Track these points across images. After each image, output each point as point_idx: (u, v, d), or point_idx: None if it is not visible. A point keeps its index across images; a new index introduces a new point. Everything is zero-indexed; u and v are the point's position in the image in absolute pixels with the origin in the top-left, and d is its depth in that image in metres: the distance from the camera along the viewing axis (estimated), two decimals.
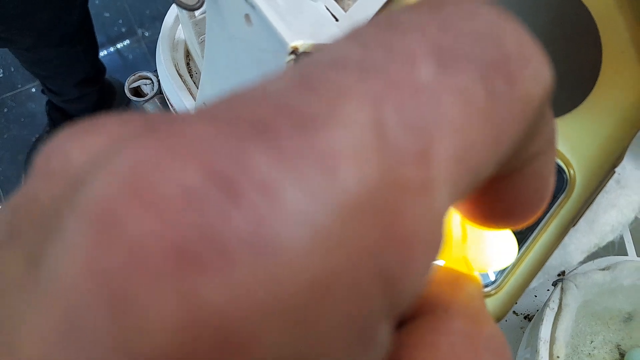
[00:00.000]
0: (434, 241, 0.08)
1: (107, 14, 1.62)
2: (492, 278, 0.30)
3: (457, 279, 0.14)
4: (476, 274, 0.15)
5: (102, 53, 1.57)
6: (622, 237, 0.45)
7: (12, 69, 1.57)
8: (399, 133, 0.08)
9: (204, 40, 0.40)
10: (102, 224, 0.07)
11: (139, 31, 1.60)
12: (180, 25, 0.49)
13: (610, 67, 0.32)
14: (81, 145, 0.09)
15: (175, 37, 0.49)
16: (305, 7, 0.33)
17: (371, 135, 0.08)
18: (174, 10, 0.49)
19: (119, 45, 1.59)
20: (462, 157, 0.08)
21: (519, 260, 0.30)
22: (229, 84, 0.36)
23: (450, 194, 0.08)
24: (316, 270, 0.07)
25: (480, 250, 0.16)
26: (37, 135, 1.45)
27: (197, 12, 0.42)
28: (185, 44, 0.49)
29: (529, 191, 0.12)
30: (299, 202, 0.07)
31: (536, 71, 0.09)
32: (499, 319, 0.32)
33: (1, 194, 1.46)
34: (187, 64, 0.50)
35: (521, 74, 0.09)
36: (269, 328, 0.07)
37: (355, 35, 0.09)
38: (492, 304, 0.31)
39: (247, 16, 0.30)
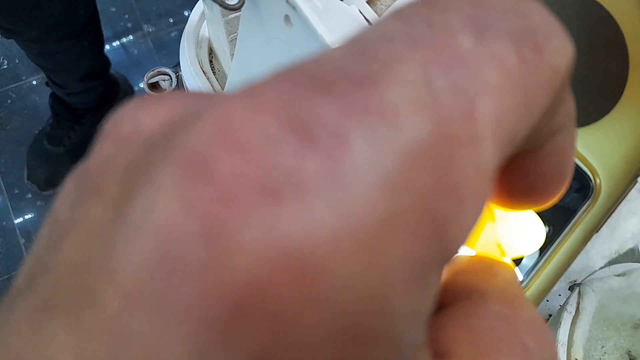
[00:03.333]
0: (481, 194, 0.09)
1: (113, 9, 1.61)
2: (520, 279, 0.31)
3: (492, 266, 0.14)
4: (508, 260, 0.15)
5: (107, 47, 1.56)
6: None
7: (17, 61, 1.56)
8: (447, 93, 0.09)
9: (234, 39, 0.41)
10: (194, 165, 0.07)
11: (145, 27, 1.60)
12: (206, 23, 0.49)
13: (636, 79, 0.33)
14: (150, 113, 0.10)
15: (200, 35, 0.50)
16: (339, 10, 0.33)
17: (423, 93, 0.08)
18: (199, 7, 0.50)
19: (124, 40, 1.59)
20: (501, 118, 0.09)
21: (544, 264, 0.31)
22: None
23: (493, 153, 0.09)
24: (380, 208, 0.08)
25: (510, 235, 0.16)
26: (39, 128, 1.44)
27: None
28: (209, 42, 0.50)
29: (551, 168, 0.12)
30: (366, 147, 0.08)
31: (560, 43, 0.10)
32: None
33: (2, 185, 1.45)
34: (210, 61, 0.50)
35: (547, 44, 0.10)
36: (340, 256, 0.07)
37: (398, 14, 0.10)
38: None
39: (287, 17, 0.31)
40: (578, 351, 0.40)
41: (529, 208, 0.14)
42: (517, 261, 0.32)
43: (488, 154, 0.09)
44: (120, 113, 0.10)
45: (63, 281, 0.09)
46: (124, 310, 0.07)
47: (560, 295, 0.53)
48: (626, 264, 0.46)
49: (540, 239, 0.16)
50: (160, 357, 0.07)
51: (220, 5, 0.30)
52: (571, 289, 0.45)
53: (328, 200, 0.07)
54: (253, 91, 0.08)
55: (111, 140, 0.10)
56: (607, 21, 0.34)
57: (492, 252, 0.16)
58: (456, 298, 0.13)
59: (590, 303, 0.42)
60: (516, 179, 0.12)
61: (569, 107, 0.12)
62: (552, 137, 0.12)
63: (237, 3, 0.30)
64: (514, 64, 0.09)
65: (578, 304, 0.42)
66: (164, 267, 0.07)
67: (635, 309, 0.47)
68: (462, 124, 0.08)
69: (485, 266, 0.14)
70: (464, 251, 0.16)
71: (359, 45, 0.09)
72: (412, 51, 0.09)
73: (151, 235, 0.07)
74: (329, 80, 0.08)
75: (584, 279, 0.45)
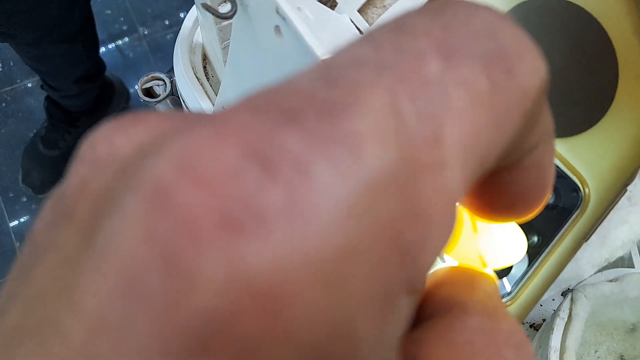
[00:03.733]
0: (448, 220, 0.09)
1: (108, 12, 1.61)
2: (508, 289, 0.31)
3: (473, 278, 0.14)
4: (490, 271, 0.15)
5: (103, 50, 1.56)
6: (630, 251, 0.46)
7: (12, 64, 1.56)
8: (413, 119, 0.09)
9: (227, 46, 0.41)
10: (157, 196, 0.07)
11: (140, 29, 1.60)
12: (200, 29, 0.49)
13: (626, 90, 0.34)
14: (126, 135, 0.10)
15: (194, 41, 0.50)
16: (330, 20, 0.33)
17: (389, 121, 0.08)
18: (192, 14, 0.50)
19: (119, 43, 1.59)
20: (470, 142, 0.09)
21: (533, 274, 0.31)
22: (253, 90, 0.37)
23: (461, 177, 0.09)
24: (343, 238, 0.08)
25: (492, 247, 0.16)
26: (34, 131, 1.44)
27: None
28: (203, 48, 0.50)
29: (530, 181, 0.12)
30: (328, 178, 0.08)
31: (532, 64, 0.10)
32: None
33: None
34: (204, 67, 0.50)
35: (518, 66, 0.10)
36: (303, 287, 0.07)
37: (369, 38, 0.10)
38: None
39: (277, 27, 0.31)
40: (571, 357, 0.40)
41: (511, 220, 0.14)
42: (506, 270, 0.32)
43: (455, 179, 0.09)
44: (96, 135, 0.10)
45: (32, 309, 0.09)
46: (88, 340, 0.07)
47: (554, 300, 0.54)
48: (618, 269, 0.46)
49: (522, 251, 0.16)
50: None
51: (212, 14, 0.30)
52: (564, 294, 0.45)
53: (289, 232, 0.07)
54: (219, 120, 0.08)
55: (87, 163, 0.10)
56: (598, 32, 0.34)
57: (473, 263, 0.16)
58: (437, 311, 0.13)
59: (582, 309, 0.42)
60: (497, 193, 0.13)
61: (546, 123, 0.12)
62: (530, 152, 0.12)
63: (229, 12, 0.30)
64: (483, 88, 0.09)
65: (570, 310, 0.42)
66: (126, 297, 0.07)
67: (628, 313, 0.48)
68: (428, 151, 0.08)
69: (466, 278, 0.14)
70: (447, 262, 0.16)
71: (328, 71, 0.09)
72: (379, 77, 0.09)
73: (115, 265, 0.07)
74: (294, 108, 0.08)
75: (577, 284, 0.45)
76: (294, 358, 0.08)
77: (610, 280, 0.44)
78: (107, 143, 0.10)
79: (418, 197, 0.08)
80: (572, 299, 0.43)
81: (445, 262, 0.16)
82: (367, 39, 0.10)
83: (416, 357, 0.12)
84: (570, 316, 0.42)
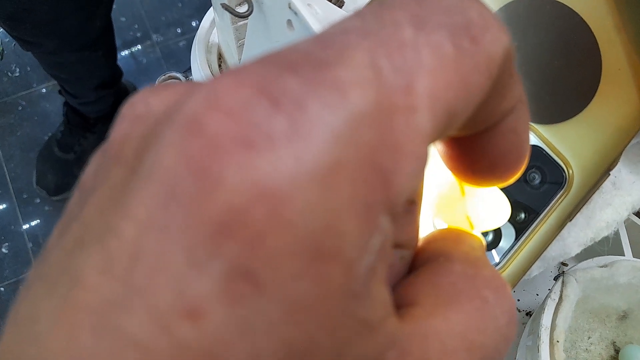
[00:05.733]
0: (419, 153, 0.11)
1: (123, 19, 1.65)
2: (497, 260, 0.34)
3: (459, 235, 0.16)
4: (478, 233, 0.17)
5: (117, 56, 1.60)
6: (616, 235, 0.48)
7: (28, 68, 1.59)
8: (389, 72, 0.10)
9: (242, 45, 0.44)
10: (190, 124, 0.09)
11: (154, 36, 1.63)
12: (216, 29, 0.52)
13: (608, 81, 0.36)
14: (159, 97, 0.12)
15: (210, 41, 0.53)
16: (337, 15, 0.37)
17: (369, 72, 0.10)
18: (209, 15, 0.53)
19: (133, 50, 1.62)
20: (438, 94, 0.11)
21: (520, 247, 0.34)
22: None
23: (430, 121, 0.11)
24: (330, 155, 0.09)
25: (478, 210, 0.17)
26: (49, 134, 1.47)
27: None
28: (219, 47, 0.53)
29: (508, 146, 0.14)
30: (320, 110, 0.09)
31: (496, 35, 0.12)
32: None
33: (12, 190, 1.48)
34: (219, 65, 0.54)
35: (483, 36, 0.11)
36: (299, 189, 0.09)
37: (357, 13, 0.12)
38: None
39: (289, 22, 0.34)
40: (560, 334, 0.42)
41: (495, 184, 0.15)
42: (495, 243, 0.35)
43: (424, 120, 0.11)
44: (134, 98, 0.13)
45: (91, 222, 0.10)
46: (138, 235, 0.09)
47: (549, 290, 0.56)
48: (608, 256, 0.49)
49: (506, 214, 0.18)
50: (165, 266, 0.09)
51: (231, 13, 0.33)
52: (556, 279, 0.48)
53: (290, 148, 0.09)
54: (236, 71, 0.10)
55: (127, 119, 0.12)
56: (582, 28, 0.37)
57: (461, 225, 0.17)
58: (426, 261, 0.15)
59: (572, 291, 0.45)
60: (479, 157, 0.14)
61: (517, 91, 0.13)
62: (506, 118, 0.13)
63: (247, 11, 0.33)
64: (449, 51, 0.11)
65: (561, 292, 0.45)
66: (167, 200, 0.09)
67: (619, 300, 0.50)
68: (401, 96, 0.10)
69: (453, 235, 0.16)
70: (438, 225, 0.18)
71: (322, 37, 0.11)
72: (363, 41, 0.11)
73: (158, 179, 0.09)
74: (294, 62, 0.10)
75: (569, 268, 0.47)
76: (292, 244, 0.09)
77: (601, 266, 0.47)
78: (144, 103, 0.12)
79: (392, 131, 0.10)
80: (563, 282, 0.46)
81: (437, 226, 0.17)
82: (355, 13, 0.12)
83: (405, 297, 0.13)
84: (561, 297, 0.45)
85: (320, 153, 0.09)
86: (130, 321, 0.09)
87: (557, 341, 0.41)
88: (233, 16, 0.38)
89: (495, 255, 0.34)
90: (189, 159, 0.09)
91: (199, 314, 0.09)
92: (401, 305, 0.13)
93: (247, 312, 0.09)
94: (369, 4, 0.12)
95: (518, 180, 0.35)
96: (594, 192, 0.36)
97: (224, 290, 0.09)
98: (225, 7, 0.34)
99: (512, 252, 0.34)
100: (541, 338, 0.41)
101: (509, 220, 0.34)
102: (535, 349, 0.42)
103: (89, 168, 0.13)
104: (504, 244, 0.34)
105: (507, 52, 0.12)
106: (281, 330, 0.09)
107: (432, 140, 0.11)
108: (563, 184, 0.35)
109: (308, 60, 0.10)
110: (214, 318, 0.09)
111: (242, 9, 0.34)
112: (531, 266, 0.34)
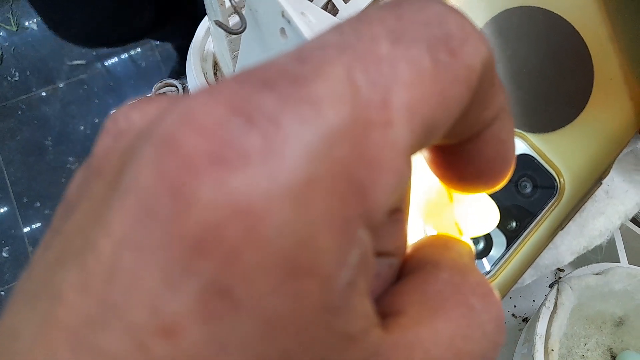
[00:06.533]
0: (396, 168, 0.10)
1: None
2: (488, 268, 0.34)
3: (447, 241, 0.16)
4: (467, 240, 0.16)
5: (116, 60, 1.61)
6: (610, 242, 0.48)
7: (28, 73, 1.59)
8: (365, 87, 0.10)
9: (236, 56, 0.44)
10: (165, 142, 0.09)
11: (153, 40, 1.64)
12: (211, 38, 0.53)
13: (600, 91, 0.37)
14: (140, 112, 0.12)
15: (205, 49, 0.53)
16: (330, 23, 0.37)
17: (345, 87, 0.10)
18: (204, 24, 0.53)
19: (132, 53, 1.63)
20: (415, 107, 0.11)
21: (511, 256, 0.34)
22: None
23: (407, 135, 0.11)
24: (304, 172, 0.09)
25: (467, 216, 0.17)
26: (49, 138, 1.47)
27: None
28: (214, 56, 0.53)
29: (491, 154, 0.14)
30: (295, 127, 0.09)
31: (475, 46, 0.12)
32: None
33: (12, 194, 1.48)
34: (215, 73, 0.54)
35: (461, 48, 0.11)
36: (274, 206, 0.09)
37: (336, 27, 0.11)
38: None
39: (282, 30, 0.34)
40: (555, 343, 0.42)
41: (482, 190, 0.15)
42: (486, 251, 0.35)
43: (401, 134, 0.11)
44: (116, 113, 0.13)
45: (72, 238, 0.11)
46: (114, 253, 0.09)
47: (545, 295, 0.56)
48: (603, 263, 0.49)
49: (495, 220, 0.18)
50: (141, 283, 0.09)
51: (224, 30, 0.34)
52: (551, 286, 0.48)
53: (264, 165, 0.09)
54: (212, 88, 0.10)
55: (110, 134, 0.12)
56: (575, 38, 0.37)
57: (450, 231, 0.17)
58: (413, 269, 0.14)
59: (567, 299, 0.45)
60: (465, 165, 0.14)
61: (500, 99, 0.13)
62: (490, 126, 0.14)
63: (240, 28, 0.33)
64: (427, 64, 0.11)
65: (556, 299, 0.45)
66: (143, 217, 0.09)
67: (614, 307, 0.50)
68: (377, 111, 0.10)
69: (441, 242, 0.16)
70: (429, 231, 0.18)
71: (299, 52, 0.11)
72: (340, 56, 0.10)
73: (135, 196, 0.09)
74: (270, 78, 0.10)
75: (564, 275, 0.48)
76: (268, 261, 0.09)
77: (596, 274, 0.47)
78: (125, 118, 0.12)
79: (368, 147, 0.10)
80: (558, 290, 0.46)
81: (427, 233, 0.17)
82: (334, 28, 0.11)
83: (391, 306, 0.13)
84: (555, 305, 0.45)
85: (294, 169, 0.09)
86: (106, 339, 0.09)
87: (552, 349, 0.41)
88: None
89: (486, 263, 0.34)
90: (164, 177, 0.09)
91: (175, 331, 0.09)
92: (388, 314, 0.13)
93: (223, 329, 0.09)
94: (349, 18, 0.12)
95: (509, 189, 0.36)
96: (585, 201, 0.36)
97: (199, 307, 0.09)
98: (219, 24, 0.34)
99: (503, 260, 0.34)
100: (536, 346, 0.42)
101: (500, 229, 0.35)
102: (531, 357, 0.42)
103: (73, 182, 0.13)
104: (495, 252, 0.34)
105: (487, 63, 0.12)
106: (257, 346, 0.09)
107: (413, 152, 0.11)
108: (554, 192, 0.35)
109: (284, 76, 0.10)
110: (190, 335, 0.09)
111: (236, 19, 0.34)
112: (522, 275, 0.34)
